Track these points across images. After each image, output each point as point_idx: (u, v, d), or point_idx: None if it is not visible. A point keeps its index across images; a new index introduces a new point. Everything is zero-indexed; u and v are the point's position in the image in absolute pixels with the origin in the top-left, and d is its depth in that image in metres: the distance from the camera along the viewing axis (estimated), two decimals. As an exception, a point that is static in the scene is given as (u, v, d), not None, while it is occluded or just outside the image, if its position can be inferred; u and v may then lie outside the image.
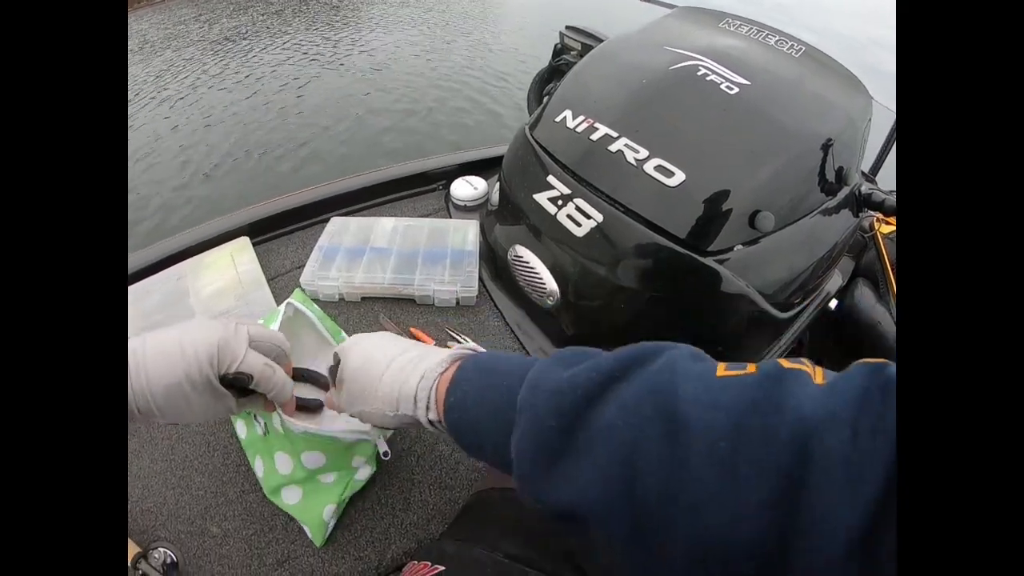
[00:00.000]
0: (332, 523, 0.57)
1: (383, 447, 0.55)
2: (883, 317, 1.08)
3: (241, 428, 0.62)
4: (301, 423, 0.51)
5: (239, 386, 0.45)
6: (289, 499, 0.57)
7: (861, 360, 0.26)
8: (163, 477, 0.61)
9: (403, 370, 0.43)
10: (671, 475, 0.26)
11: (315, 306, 0.76)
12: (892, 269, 1.11)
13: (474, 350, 0.45)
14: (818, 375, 0.28)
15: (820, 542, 0.22)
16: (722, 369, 0.30)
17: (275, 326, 0.58)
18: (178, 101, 5.12)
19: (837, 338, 1.19)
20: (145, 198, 3.66)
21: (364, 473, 0.60)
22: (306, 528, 0.57)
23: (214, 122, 4.72)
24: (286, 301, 0.62)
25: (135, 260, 0.83)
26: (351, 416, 0.48)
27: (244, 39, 6.69)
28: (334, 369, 0.49)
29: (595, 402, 0.31)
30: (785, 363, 0.29)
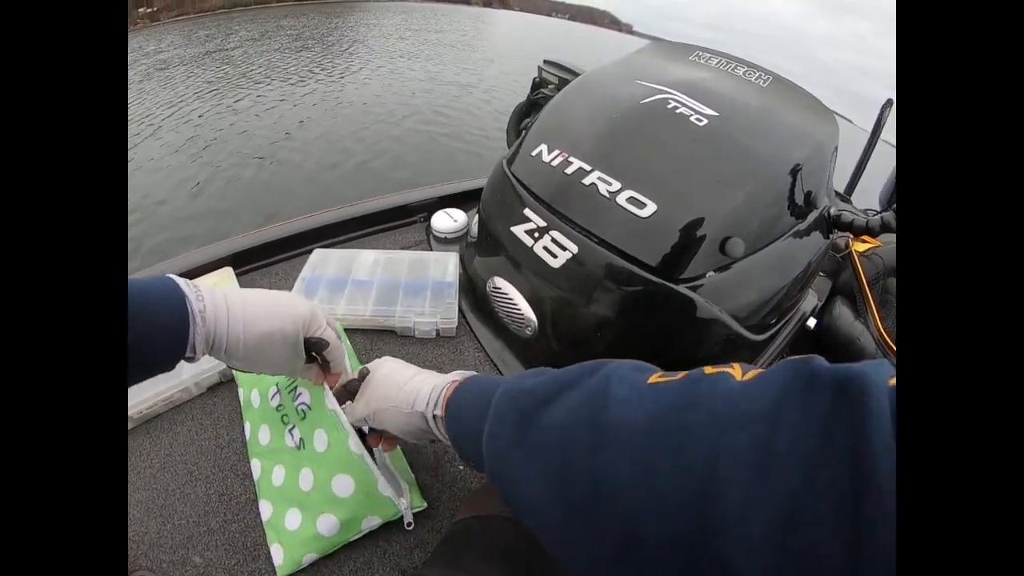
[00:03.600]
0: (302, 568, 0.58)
1: (408, 517, 0.59)
2: (861, 333, 1.11)
3: (265, 434, 0.64)
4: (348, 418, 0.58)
5: (310, 351, 0.55)
6: (290, 524, 0.58)
7: (789, 357, 0.28)
8: (145, 506, 0.61)
9: (422, 380, 0.52)
10: (593, 469, 0.30)
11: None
12: (868, 285, 1.14)
13: None
14: (739, 373, 0.30)
15: (734, 534, 0.23)
16: (655, 377, 0.33)
17: None
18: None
19: (817, 354, 1.23)
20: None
21: (369, 524, 0.59)
22: (279, 552, 0.57)
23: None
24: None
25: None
26: (365, 417, 0.55)
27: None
28: (356, 383, 0.57)
29: (547, 405, 0.36)
30: (709, 368, 0.31)
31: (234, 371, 0.73)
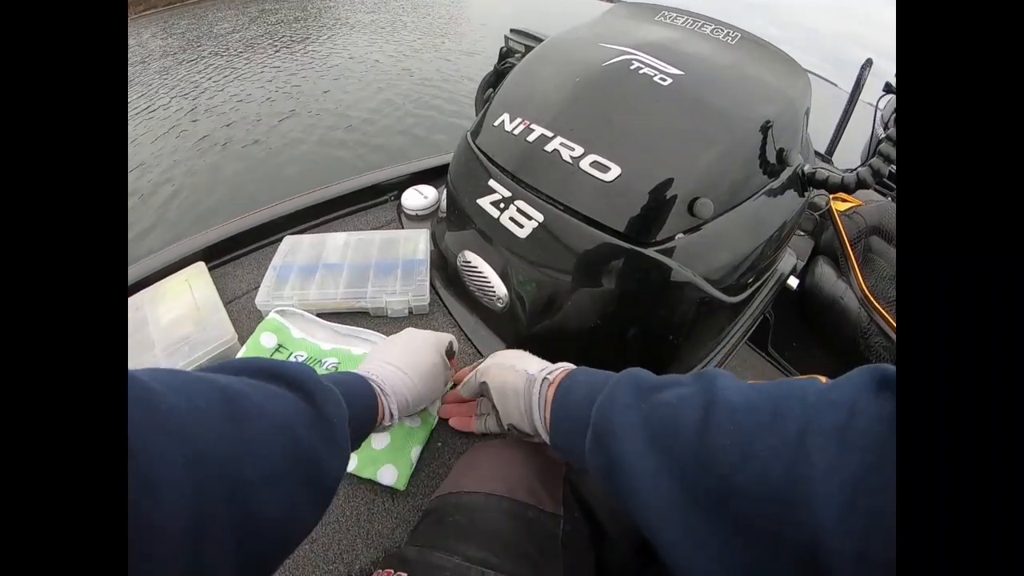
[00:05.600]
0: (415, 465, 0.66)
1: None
2: (844, 292, 1.11)
3: None
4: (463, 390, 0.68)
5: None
6: (377, 444, 0.65)
7: (868, 365, 0.32)
8: None
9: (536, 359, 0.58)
10: (700, 430, 0.35)
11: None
12: (850, 244, 1.14)
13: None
14: (824, 380, 0.35)
15: (817, 491, 0.27)
16: (751, 382, 0.39)
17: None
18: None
19: (801, 315, 1.22)
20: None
21: (436, 406, 0.71)
22: (393, 469, 0.63)
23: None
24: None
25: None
26: (476, 373, 0.61)
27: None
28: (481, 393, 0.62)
29: (662, 389, 0.41)
30: (799, 378, 0.38)
31: None
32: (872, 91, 1.53)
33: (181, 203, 4.01)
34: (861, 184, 0.68)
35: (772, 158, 0.71)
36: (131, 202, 3.96)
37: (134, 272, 0.87)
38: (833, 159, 1.82)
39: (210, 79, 6.45)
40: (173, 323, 0.80)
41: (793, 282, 1.06)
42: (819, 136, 1.87)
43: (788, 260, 1.08)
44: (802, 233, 1.29)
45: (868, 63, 1.52)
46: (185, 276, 0.87)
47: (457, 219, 0.83)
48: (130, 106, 5.63)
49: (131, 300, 0.83)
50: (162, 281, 0.87)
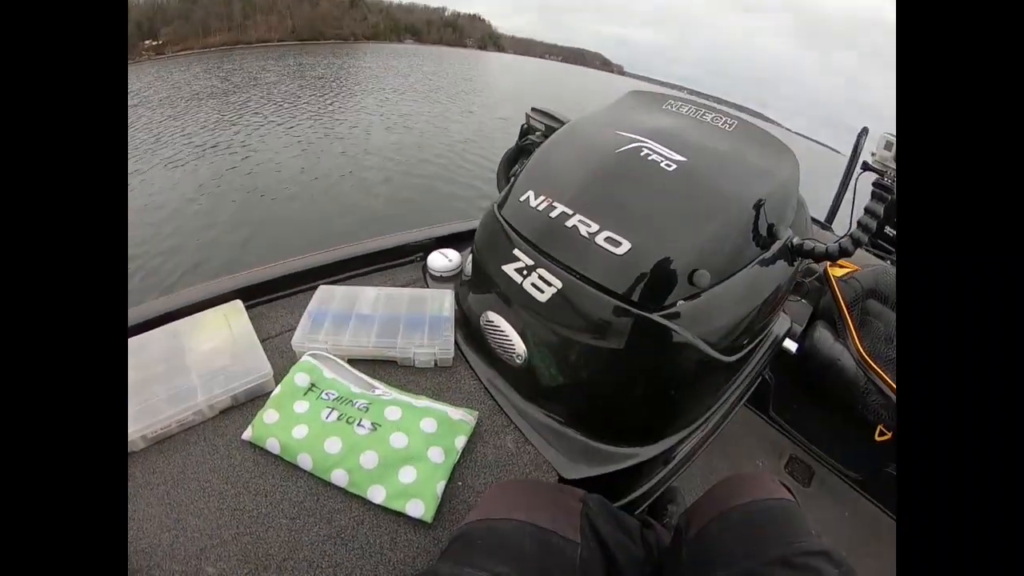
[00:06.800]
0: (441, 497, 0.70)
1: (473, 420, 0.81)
2: (841, 354, 1.19)
3: (333, 444, 0.73)
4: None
5: None
6: (405, 478, 0.70)
7: None
8: (158, 520, 0.64)
9: None
10: None
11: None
12: (847, 308, 1.24)
13: None
14: None
15: None
16: None
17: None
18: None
19: (800, 378, 1.30)
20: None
21: (460, 443, 0.77)
22: (420, 503, 0.67)
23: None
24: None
25: (130, 316, 0.88)
26: None
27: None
28: None
29: None
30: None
31: (264, 424, 0.76)
32: (869, 155, 1.60)
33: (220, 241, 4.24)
34: (844, 253, 0.76)
35: (764, 232, 0.80)
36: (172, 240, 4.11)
37: (175, 301, 0.94)
38: (833, 226, 1.94)
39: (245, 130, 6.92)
40: (210, 353, 0.85)
41: (792, 346, 1.13)
42: (821, 203, 1.99)
43: (782, 323, 1.16)
44: (797, 299, 1.38)
45: (864, 131, 1.65)
46: (223, 311, 0.94)
47: (482, 282, 0.91)
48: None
49: (169, 327, 0.90)
50: (201, 313, 0.93)
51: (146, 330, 0.87)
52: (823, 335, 1.24)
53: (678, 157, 0.82)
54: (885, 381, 1.12)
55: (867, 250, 1.62)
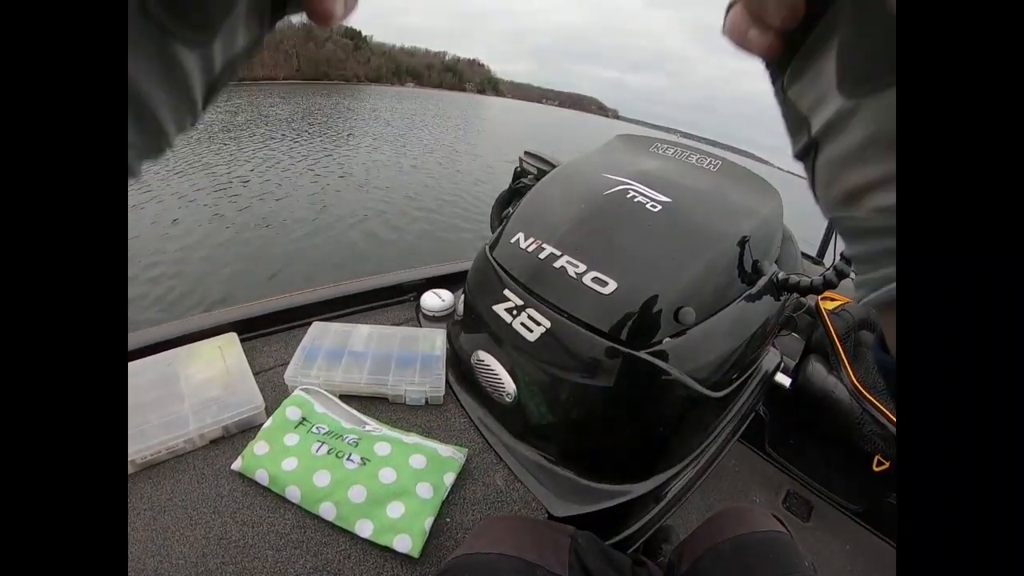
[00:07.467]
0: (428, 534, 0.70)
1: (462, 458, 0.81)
2: (835, 386, 1.20)
3: (322, 478, 0.73)
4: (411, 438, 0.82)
5: None
6: (393, 513, 0.70)
7: None
8: (143, 545, 0.64)
9: None
10: None
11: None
12: (839, 340, 1.24)
13: None
14: None
15: None
16: None
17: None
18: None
19: (795, 412, 1.30)
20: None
21: (449, 479, 0.78)
22: (407, 539, 0.68)
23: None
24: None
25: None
26: None
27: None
28: None
29: None
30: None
31: (254, 456, 0.77)
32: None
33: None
34: (828, 285, 0.78)
35: (748, 268, 0.83)
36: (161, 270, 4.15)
37: (169, 330, 0.95)
38: (825, 260, 1.98)
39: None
40: (204, 383, 0.86)
41: (785, 381, 1.13)
42: (813, 239, 2.07)
43: (772, 358, 1.17)
44: (789, 334, 1.40)
45: None
46: (218, 343, 0.95)
47: (473, 322, 0.94)
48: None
49: (163, 355, 0.91)
50: (197, 343, 0.94)
51: (139, 357, 0.88)
52: (816, 368, 1.26)
53: (663, 198, 0.85)
54: (881, 411, 1.12)
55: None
